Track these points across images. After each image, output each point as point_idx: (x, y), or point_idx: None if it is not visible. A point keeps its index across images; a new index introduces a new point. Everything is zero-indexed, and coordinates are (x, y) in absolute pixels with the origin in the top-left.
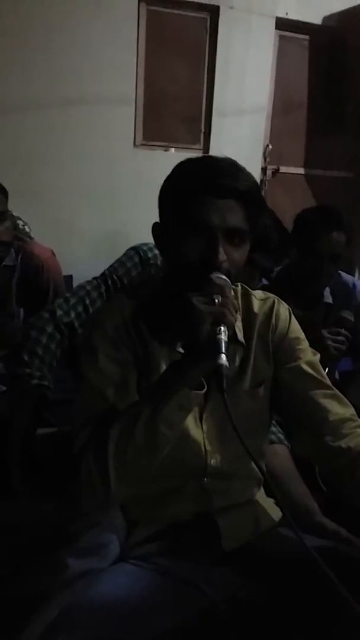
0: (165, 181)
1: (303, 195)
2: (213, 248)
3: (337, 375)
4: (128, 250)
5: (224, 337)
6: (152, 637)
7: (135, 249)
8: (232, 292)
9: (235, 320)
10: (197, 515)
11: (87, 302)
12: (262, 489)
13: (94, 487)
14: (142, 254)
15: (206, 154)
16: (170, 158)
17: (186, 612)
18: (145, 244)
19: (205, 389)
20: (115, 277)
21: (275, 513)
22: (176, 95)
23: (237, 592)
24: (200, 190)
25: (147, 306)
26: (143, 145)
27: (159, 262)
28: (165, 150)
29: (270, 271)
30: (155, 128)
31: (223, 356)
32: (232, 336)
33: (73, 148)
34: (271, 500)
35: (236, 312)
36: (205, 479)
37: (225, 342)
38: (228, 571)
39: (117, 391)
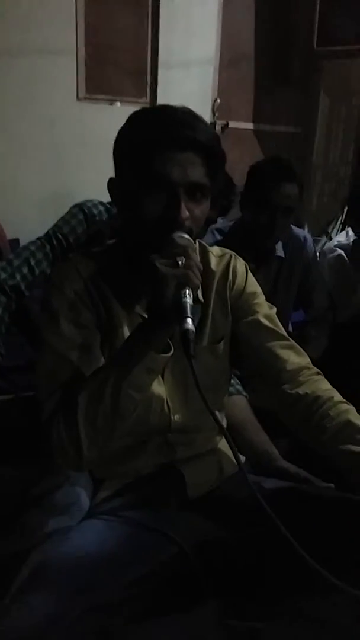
0: (119, 132)
1: (252, 150)
2: (174, 205)
3: (290, 328)
4: (72, 207)
5: (189, 300)
6: (124, 587)
7: (79, 206)
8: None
9: (200, 282)
10: (162, 467)
11: (32, 263)
12: (224, 438)
13: (67, 454)
14: (86, 210)
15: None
16: (116, 112)
17: (156, 560)
18: (90, 201)
19: (172, 352)
20: (60, 235)
21: None
22: (120, 46)
23: (204, 537)
24: (158, 142)
25: (106, 267)
26: (86, 98)
27: (104, 219)
28: (111, 104)
29: (214, 222)
30: (99, 80)
31: (189, 320)
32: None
33: (10, 103)
34: None
35: (200, 272)
36: (169, 434)
37: (191, 306)
38: (194, 517)
39: (81, 355)
